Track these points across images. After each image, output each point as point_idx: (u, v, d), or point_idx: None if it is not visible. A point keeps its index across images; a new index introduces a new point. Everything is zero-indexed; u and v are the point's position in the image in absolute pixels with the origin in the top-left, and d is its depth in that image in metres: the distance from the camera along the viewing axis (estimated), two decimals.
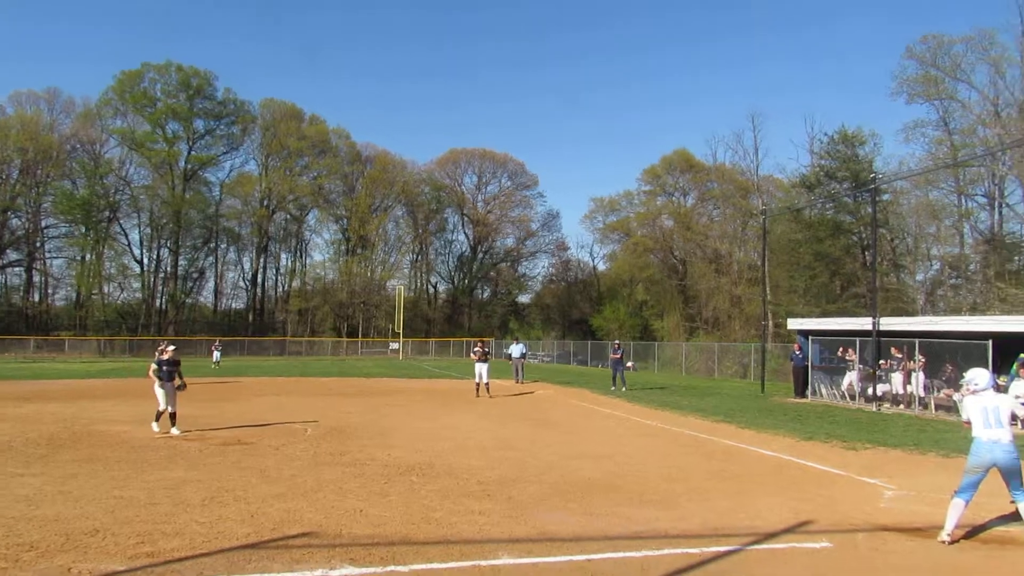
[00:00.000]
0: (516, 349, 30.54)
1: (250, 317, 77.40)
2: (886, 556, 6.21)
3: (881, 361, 20.75)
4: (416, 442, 12.55)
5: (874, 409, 19.58)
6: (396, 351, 65.29)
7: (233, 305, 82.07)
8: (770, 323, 41.33)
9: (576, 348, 58.27)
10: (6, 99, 72.21)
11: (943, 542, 6.55)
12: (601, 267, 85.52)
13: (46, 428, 13.61)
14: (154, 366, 13.31)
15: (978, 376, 6.81)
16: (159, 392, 13.20)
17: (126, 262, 72.25)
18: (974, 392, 6.74)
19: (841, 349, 22.67)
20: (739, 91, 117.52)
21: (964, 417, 6.86)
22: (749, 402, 21.86)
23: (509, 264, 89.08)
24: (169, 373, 13.35)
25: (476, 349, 22.58)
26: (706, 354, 43.73)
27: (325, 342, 71.28)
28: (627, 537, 6.63)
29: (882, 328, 20.62)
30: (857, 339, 21.54)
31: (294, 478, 9.15)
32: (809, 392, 23.36)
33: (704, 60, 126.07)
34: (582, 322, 77.09)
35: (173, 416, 13.20)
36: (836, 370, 23.17)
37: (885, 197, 39.15)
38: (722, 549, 6.26)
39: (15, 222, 68.85)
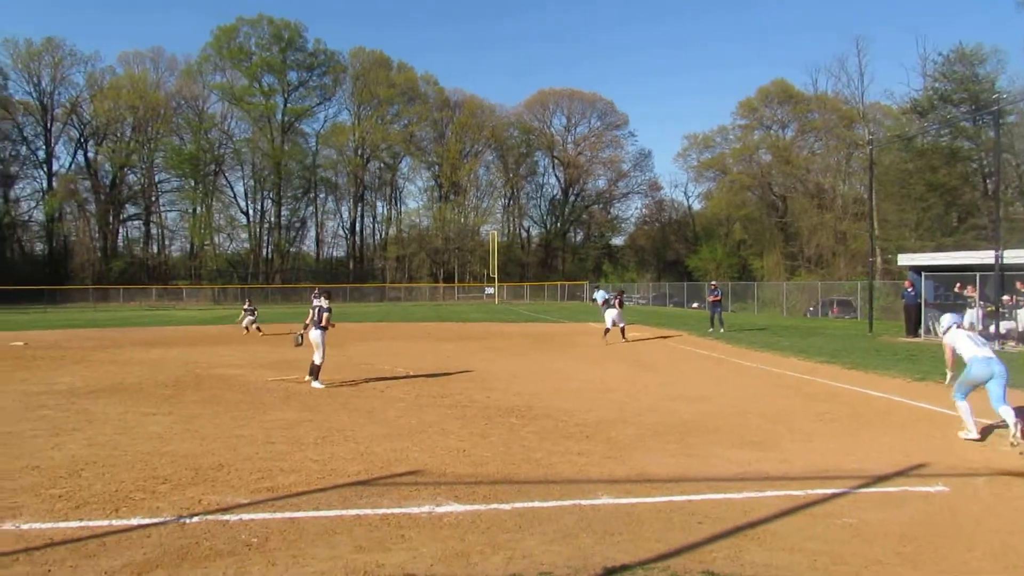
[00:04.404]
0: (600, 295, 31.19)
1: (351, 265, 79.91)
2: (1011, 501, 5.88)
3: (1005, 297, 19.50)
4: (514, 384, 12.74)
5: (997, 348, 18.49)
6: (491, 296, 66.18)
7: (334, 253, 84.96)
8: (878, 260, 39.40)
9: (672, 290, 57.46)
10: (115, 60, 76.07)
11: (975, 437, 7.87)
12: (696, 206, 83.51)
13: (172, 372, 14.59)
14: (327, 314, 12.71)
15: (948, 320, 8.64)
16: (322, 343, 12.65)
17: (233, 214, 75.85)
18: (949, 331, 8.47)
19: (959, 285, 21.41)
20: (840, 13, 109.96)
21: (957, 353, 8.32)
22: (856, 342, 21.05)
23: (601, 206, 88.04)
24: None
25: (611, 299, 22.62)
26: (809, 293, 42.24)
27: (423, 288, 72.92)
28: (728, 479, 6.55)
29: (1006, 261, 19.31)
30: (977, 274, 20.28)
31: (399, 419, 9.47)
32: (922, 331, 22.26)
33: None
34: (677, 263, 75.79)
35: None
36: (953, 308, 21.90)
37: (1011, 119, 36.08)
38: (828, 492, 6.09)
39: (132, 178, 73.14)
